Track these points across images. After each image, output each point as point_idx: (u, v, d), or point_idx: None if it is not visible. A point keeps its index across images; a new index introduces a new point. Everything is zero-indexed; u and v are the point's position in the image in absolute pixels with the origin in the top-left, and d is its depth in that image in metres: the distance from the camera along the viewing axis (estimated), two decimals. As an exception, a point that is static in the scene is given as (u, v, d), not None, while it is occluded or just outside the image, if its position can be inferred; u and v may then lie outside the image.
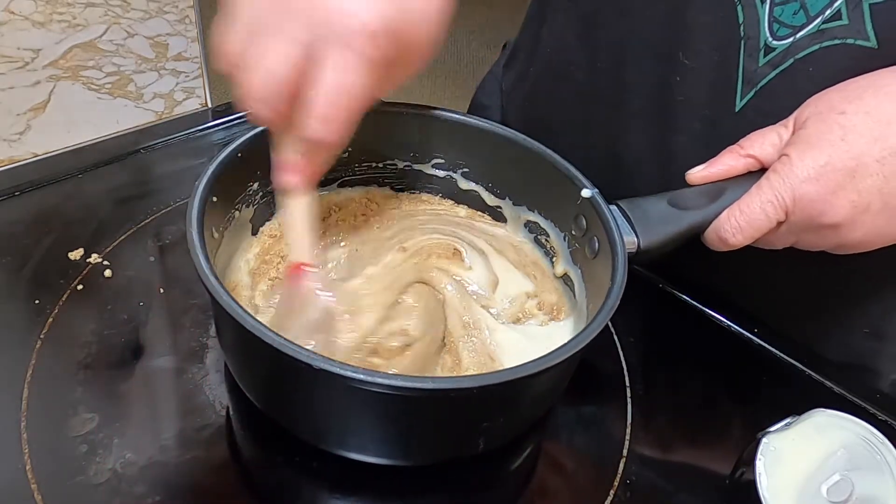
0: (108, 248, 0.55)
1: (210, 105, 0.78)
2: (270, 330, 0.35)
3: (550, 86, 0.62)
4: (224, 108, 0.75)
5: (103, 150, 0.66)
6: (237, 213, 0.49)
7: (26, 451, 0.41)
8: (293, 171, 0.40)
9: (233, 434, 0.45)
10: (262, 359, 0.39)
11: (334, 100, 0.36)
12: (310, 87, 0.36)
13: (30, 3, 0.62)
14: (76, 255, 0.54)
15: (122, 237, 0.57)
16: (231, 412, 0.46)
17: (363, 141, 0.53)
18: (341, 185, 0.56)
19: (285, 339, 0.35)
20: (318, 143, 0.38)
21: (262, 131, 0.46)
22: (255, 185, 0.49)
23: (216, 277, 0.37)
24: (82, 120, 0.70)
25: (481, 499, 0.45)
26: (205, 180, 0.43)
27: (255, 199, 0.50)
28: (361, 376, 0.34)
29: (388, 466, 0.43)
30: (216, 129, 0.72)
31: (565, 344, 0.38)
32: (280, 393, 0.41)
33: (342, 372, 0.34)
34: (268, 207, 0.52)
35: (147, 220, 0.59)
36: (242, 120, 0.73)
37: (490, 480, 0.45)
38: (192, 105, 0.77)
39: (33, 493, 0.39)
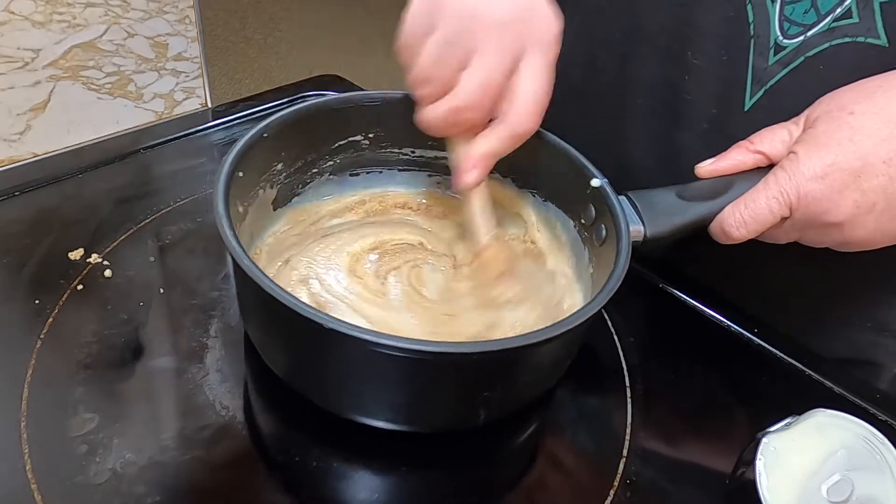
0: (108, 248, 0.55)
1: (210, 105, 0.78)
2: (285, 290, 0.37)
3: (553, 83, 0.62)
4: (224, 108, 0.75)
5: (103, 150, 0.66)
6: (261, 191, 0.50)
7: (26, 451, 0.41)
8: (476, 166, 0.46)
9: (251, 417, 0.45)
10: (279, 321, 0.41)
11: (537, 96, 0.44)
12: (511, 90, 0.43)
13: (30, 3, 0.62)
14: (76, 255, 0.54)
15: (122, 237, 0.57)
16: (249, 390, 0.46)
17: (389, 128, 0.55)
18: (354, 175, 0.57)
19: (299, 299, 0.37)
20: (523, 134, 0.45)
21: (288, 113, 0.49)
22: (280, 166, 0.51)
23: (237, 241, 0.39)
24: (82, 120, 0.70)
25: (483, 498, 0.45)
26: (232, 155, 0.45)
27: (279, 179, 0.51)
28: (367, 337, 0.36)
29: (398, 454, 0.44)
30: (216, 129, 0.72)
31: (563, 320, 0.39)
32: (298, 357, 0.43)
33: (350, 332, 0.36)
34: (290, 189, 0.53)
35: (147, 220, 0.59)
36: (242, 119, 0.73)
37: (491, 480, 0.45)
38: (192, 105, 0.77)
39: (33, 493, 0.39)
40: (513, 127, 0.44)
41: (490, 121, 0.45)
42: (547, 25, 0.44)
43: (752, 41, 0.48)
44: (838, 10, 0.44)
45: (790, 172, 0.41)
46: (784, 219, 0.43)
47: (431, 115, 0.44)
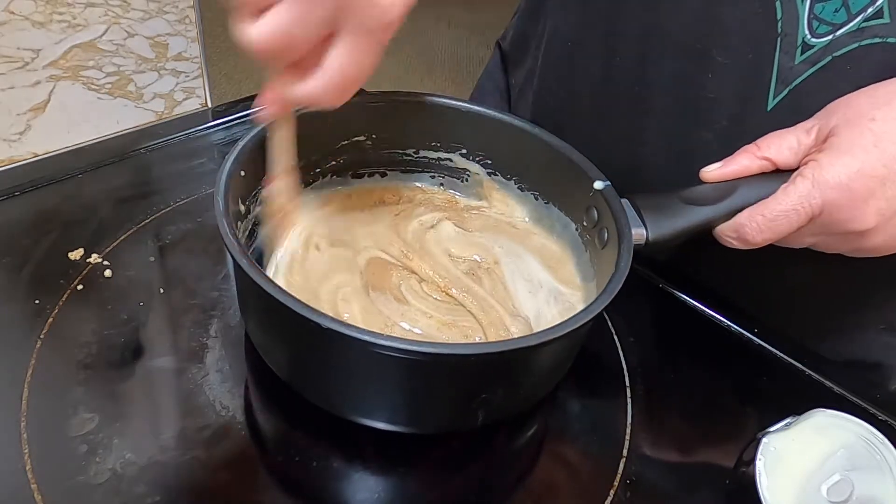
0: (108, 248, 0.55)
1: (210, 105, 0.78)
2: (284, 291, 0.37)
3: (563, 81, 0.61)
4: (224, 108, 0.75)
5: (103, 150, 0.66)
6: (264, 190, 0.50)
7: (26, 451, 0.41)
8: (274, 104, 0.43)
9: (251, 417, 0.45)
10: (279, 320, 0.41)
11: (347, 74, 0.39)
12: (323, 53, 0.39)
13: (30, 3, 0.62)
14: (76, 255, 0.54)
15: (122, 237, 0.57)
16: (249, 390, 0.46)
17: (392, 129, 0.55)
18: (357, 176, 0.57)
19: (299, 299, 0.36)
20: (315, 103, 0.41)
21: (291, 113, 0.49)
22: None
23: (237, 240, 0.39)
24: (82, 120, 0.70)
25: (483, 498, 0.45)
26: (234, 153, 0.45)
27: None
28: (367, 338, 0.35)
29: (398, 454, 0.44)
30: (216, 129, 0.72)
31: (560, 323, 0.39)
32: (297, 357, 0.43)
33: (349, 333, 0.35)
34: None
35: (147, 220, 0.59)
36: (243, 120, 0.73)
37: (491, 480, 0.45)
38: (192, 105, 0.77)
39: (33, 493, 0.39)
40: (309, 95, 0.40)
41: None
42: (373, 9, 0.38)
43: (779, 39, 0.47)
44: (870, 9, 0.44)
45: (813, 181, 0.41)
46: (801, 226, 0.42)
47: (246, 33, 0.39)
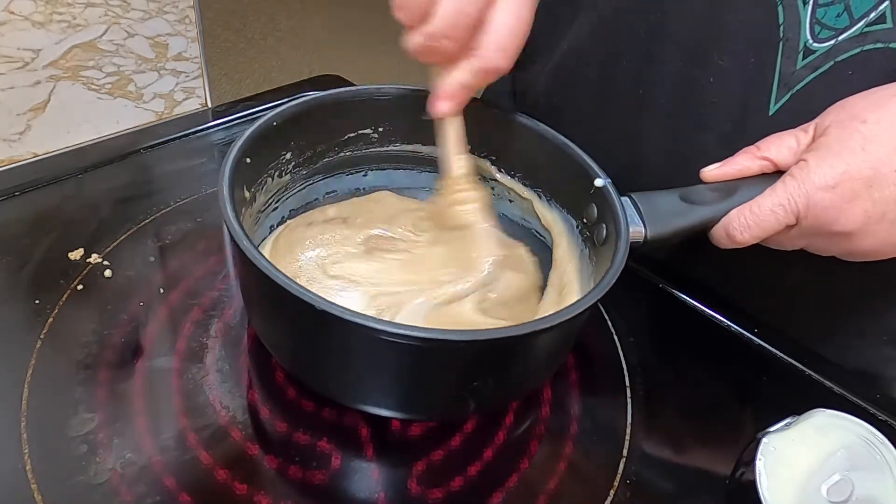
0: (108, 248, 0.55)
1: (210, 105, 0.78)
2: (281, 272, 0.37)
3: (565, 84, 0.61)
4: (224, 109, 0.75)
5: (103, 150, 0.66)
6: (269, 179, 0.50)
7: (26, 451, 0.41)
8: (448, 98, 0.46)
9: (252, 416, 0.45)
10: (276, 302, 0.41)
11: (511, 31, 0.43)
12: (486, 23, 0.42)
13: (30, 3, 0.62)
14: (76, 255, 0.54)
15: (122, 237, 0.57)
16: (249, 390, 0.46)
17: (399, 124, 0.55)
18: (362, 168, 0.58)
19: (296, 282, 0.37)
20: (493, 70, 0.44)
21: (299, 104, 0.50)
22: (288, 155, 0.51)
23: (239, 223, 0.39)
24: (82, 120, 0.70)
25: (483, 498, 0.45)
26: (241, 140, 0.46)
27: (287, 168, 0.52)
28: (360, 321, 0.35)
29: (398, 455, 0.43)
30: (216, 129, 0.72)
31: (553, 314, 0.39)
32: (294, 340, 0.43)
33: (342, 315, 0.36)
34: (299, 179, 0.53)
35: (147, 220, 0.59)
36: (242, 120, 0.73)
37: (491, 480, 0.45)
38: (191, 105, 0.77)
39: (33, 493, 0.40)
40: (483, 62, 0.43)
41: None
42: None
43: (781, 44, 0.47)
44: (872, 14, 0.44)
45: (800, 180, 0.41)
46: (790, 226, 0.42)
47: (409, 42, 0.44)
